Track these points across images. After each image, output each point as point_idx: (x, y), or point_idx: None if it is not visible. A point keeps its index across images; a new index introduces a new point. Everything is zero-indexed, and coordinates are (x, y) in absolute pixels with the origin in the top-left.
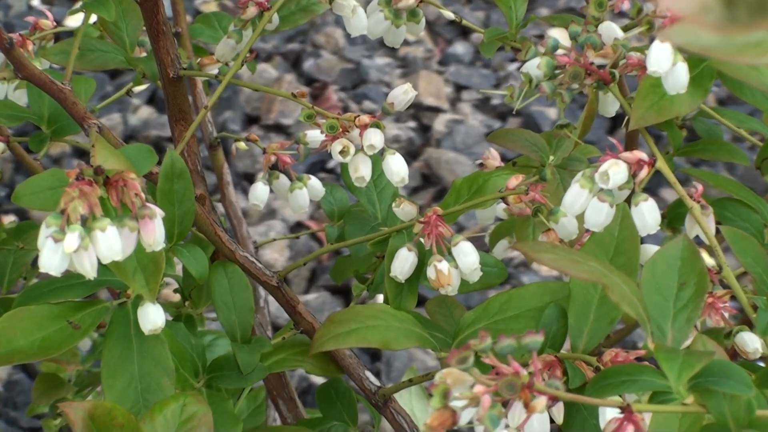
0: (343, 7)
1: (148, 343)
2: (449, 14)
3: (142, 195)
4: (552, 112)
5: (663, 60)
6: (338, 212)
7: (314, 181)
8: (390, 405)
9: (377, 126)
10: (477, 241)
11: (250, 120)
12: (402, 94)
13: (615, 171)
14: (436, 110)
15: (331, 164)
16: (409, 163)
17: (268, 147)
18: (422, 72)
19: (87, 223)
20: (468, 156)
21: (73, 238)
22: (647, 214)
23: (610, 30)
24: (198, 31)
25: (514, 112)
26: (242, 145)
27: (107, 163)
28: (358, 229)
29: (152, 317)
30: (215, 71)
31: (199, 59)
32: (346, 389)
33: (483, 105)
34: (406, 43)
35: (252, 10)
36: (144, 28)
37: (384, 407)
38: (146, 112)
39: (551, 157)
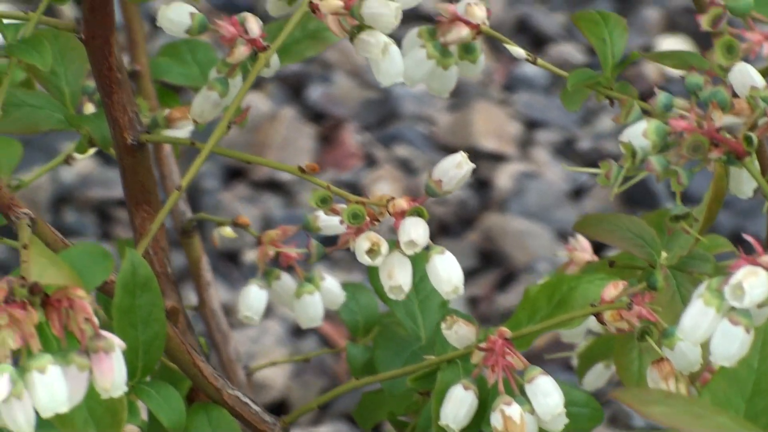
0: (369, 45)
1: None
2: (519, 51)
3: (95, 320)
4: None
5: None
6: (364, 324)
7: (330, 283)
8: None
9: (420, 214)
10: (559, 366)
11: (234, 174)
12: (454, 167)
13: (752, 283)
14: (499, 158)
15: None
16: (460, 233)
17: (265, 235)
18: (478, 103)
19: (20, 361)
20: (545, 225)
21: (1, 383)
22: None
23: (745, 76)
24: (163, 67)
25: (612, 195)
26: (228, 231)
27: (45, 277)
28: (393, 356)
29: None
30: (189, 127)
31: (166, 111)
32: None
33: (566, 149)
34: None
35: (242, 51)
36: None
37: None
38: (86, 164)
39: (663, 254)
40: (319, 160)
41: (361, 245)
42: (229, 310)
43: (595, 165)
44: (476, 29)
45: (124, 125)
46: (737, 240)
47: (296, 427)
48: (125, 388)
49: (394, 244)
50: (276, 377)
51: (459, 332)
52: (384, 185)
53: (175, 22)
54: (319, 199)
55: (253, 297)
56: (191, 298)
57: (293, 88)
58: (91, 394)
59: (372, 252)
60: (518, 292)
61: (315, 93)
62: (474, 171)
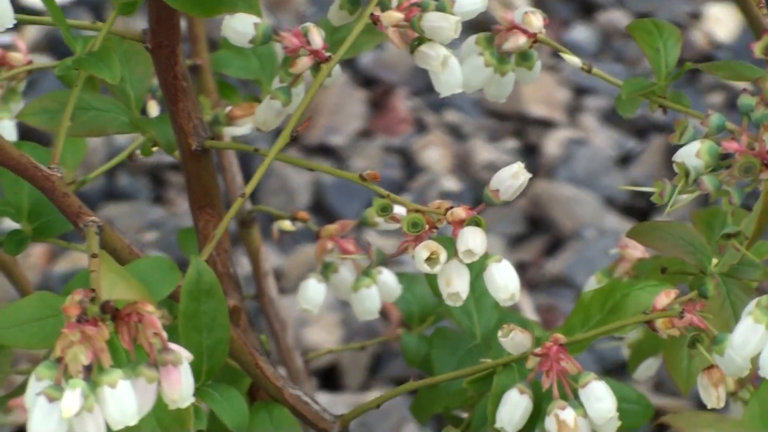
0: (429, 58)
1: None
2: (575, 60)
3: (163, 334)
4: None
5: None
6: (419, 314)
7: (387, 276)
8: None
9: (477, 223)
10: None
11: None
12: (510, 177)
13: None
14: (547, 124)
15: None
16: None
17: (323, 230)
18: None
19: (92, 375)
20: (593, 191)
21: (73, 397)
22: None
23: None
24: (223, 60)
25: (666, 212)
26: (287, 224)
27: (115, 293)
28: (449, 354)
29: None
30: (249, 124)
31: (228, 109)
32: None
33: (614, 115)
34: None
35: (305, 61)
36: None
37: None
38: None
39: (714, 261)
40: (370, 126)
41: (420, 254)
42: (280, 275)
43: (642, 132)
44: (533, 38)
45: (189, 132)
46: None
47: (346, 392)
48: (192, 399)
49: (452, 250)
50: (326, 343)
51: (515, 339)
52: (433, 151)
53: (240, 33)
54: (379, 208)
55: (312, 290)
56: (244, 262)
57: None
58: (159, 403)
59: (431, 260)
60: (565, 258)
61: (366, 58)
62: (522, 137)
